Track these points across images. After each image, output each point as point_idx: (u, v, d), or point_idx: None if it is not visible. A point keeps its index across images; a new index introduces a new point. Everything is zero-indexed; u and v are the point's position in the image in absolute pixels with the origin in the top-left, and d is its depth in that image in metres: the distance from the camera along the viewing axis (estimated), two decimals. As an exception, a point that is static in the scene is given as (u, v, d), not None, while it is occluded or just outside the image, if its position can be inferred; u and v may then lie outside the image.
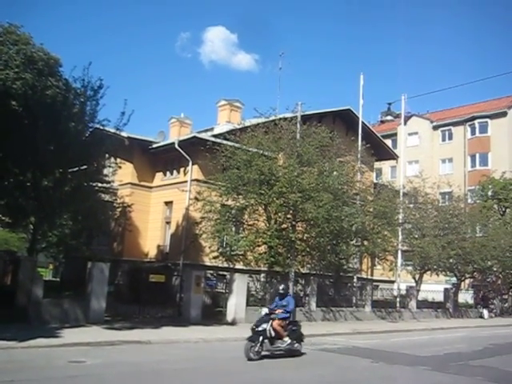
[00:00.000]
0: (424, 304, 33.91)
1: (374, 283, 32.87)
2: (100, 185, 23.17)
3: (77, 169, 19.91)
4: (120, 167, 23.70)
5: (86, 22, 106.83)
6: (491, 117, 54.71)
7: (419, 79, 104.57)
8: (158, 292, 20.87)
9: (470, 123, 56.13)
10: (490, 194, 45.66)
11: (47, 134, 17.13)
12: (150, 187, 31.73)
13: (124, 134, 23.88)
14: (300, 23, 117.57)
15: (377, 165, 40.77)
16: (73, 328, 16.03)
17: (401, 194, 33.60)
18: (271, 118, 24.71)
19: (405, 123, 38.09)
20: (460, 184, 48.17)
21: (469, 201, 44.00)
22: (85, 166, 20.17)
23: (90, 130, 19.85)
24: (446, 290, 36.02)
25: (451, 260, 34.18)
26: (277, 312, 13.72)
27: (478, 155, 54.83)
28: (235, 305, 21.58)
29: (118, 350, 13.42)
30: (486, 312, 36.25)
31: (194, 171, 28.45)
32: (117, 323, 17.73)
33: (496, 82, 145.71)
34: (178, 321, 19.60)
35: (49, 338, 13.73)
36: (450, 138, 57.96)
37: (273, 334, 13.31)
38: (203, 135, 29.87)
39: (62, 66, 17.68)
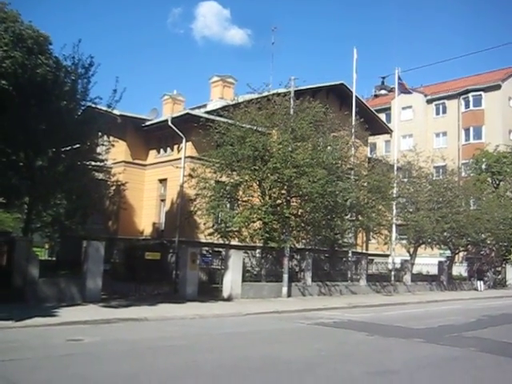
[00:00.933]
0: (418, 277, 34.23)
1: (369, 257, 33.09)
2: (93, 163, 23.07)
3: (70, 148, 19.81)
4: (113, 145, 23.60)
5: (76, 1, 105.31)
6: (485, 90, 54.59)
7: (413, 54, 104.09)
8: (154, 269, 20.94)
9: (463, 96, 56.02)
10: (483, 167, 45.78)
11: (39, 113, 17.01)
12: (144, 165, 31.63)
13: (116, 111, 23.75)
14: (293, 0, 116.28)
15: (371, 139, 40.74)
16: (69, 307, 16.10)
17: (395, 168, 33.68)
18: (264, 94, 24.57)
19: (401, 94, 37.88)
20: (454, 158, 48.30)
21: (463, 174, 44.16)
22: (78, 145, 20.07)
23: (82, 108, 19.72)
24: (440, 263, 36.32)
25: (445, 233, 34.42)
26: None
27: (471, 128, 54.84)
28: (231, 281, 21.71)
29: (115, 328, 13.50)
30: (481, 284, 36.62)
31: (187, 148, 28.35)
32: (113, 301, 17.82)
33: (490, 55, 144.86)
34: (174, 298, 19.72)
35: (46, 317, 13.78)
36: (444, 111, 57.86)
37: None
38: (196, 112, 29.72)
39: (52, 44, 17.50)
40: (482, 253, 41.53)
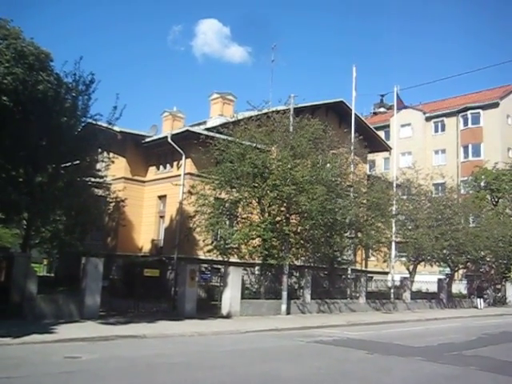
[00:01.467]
0: (418, 295, 34.11)
1: (369, 275, 33.01)
2: (93, 180, 23.12)
3: (69, 164, 19.85)
4: (113, 162, 23.64)
5: (76, 18, 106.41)
6: (484, 107, 54.89)
7: (412, 71, 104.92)
8: (153, 286, 20.86)
9: (462, 114, 56.29)
10: (482, 184, 45.87)
11: (39, 130, 17.06)
12: (144, 181, 31.66)
13: (116, 128, 23.82)
14: (293, 16, 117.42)
15: (370, 157, 40.82)
16: (68, 323, 16.01)
17: (394, 185, 33.70)
18: (264, 111, 24.69)
19: (397, 112, 38.00)
20: (453, 175, 48.39)
21: (462, 191, 44.19)
22: (77, 161, 20.11)
23: (83, 124, 19.79)
24: (439, 280, 36.21)
25: (445, 251, 34.36)
26: None
27: (470, 146, 55.04)
28: (230, 298, 21.62)
29: (114, 345, 13.42)
30: (480, 302, 36.47)
31: (187, 165, 28.40)
32: (112, 318, 17.73)
33: (488, 73, 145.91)
34: (172, 315, 19.63)
35: (44, 333, 13.70)
36: (443, 129, 58.12)
37: None
38: (196, 129, 29.81)
39: (53, 61, 17.61)
40: (481, 270, 41.49)
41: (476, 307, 36.09)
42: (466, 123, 55.99)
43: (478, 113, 55.13)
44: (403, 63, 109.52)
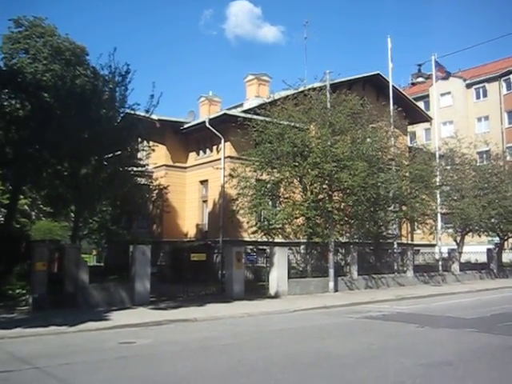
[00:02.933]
0: (467, 266, 33.50)
1: (415, 248, 32.58)
2: (135, 169, 23.48)
3: (112, 155, 20.20)
4: (153, 150, 23.96)
5: (107, 7, 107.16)
6: (527, 70, 53.00)
7: (449, 38, 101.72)
8: (200, 270, 21.17)
9: (504, 78, 54.44)
10: (529, 149, 44.49)
11: (80, 123, 17.40)
12: (185, 167, 31.96)
13: (154, 116, 24.04)
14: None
15: (410, 128, 40.09)
16: (120, 310, 16.42)
17: (437, 156, 33.01)
18: (300, 89, 24.53)
19: (439, 81, 36.95)
20: (498, 142, 47.04)
21: (508, 158, 42.87)
22: (119, 152, 20.45)
23: (121, 115, 20.09)
24: (488, 250, 35.46)
25: (493, 220, 33.58)
26: None
27: (514, 111, 53.33)
28: (277, 278, 21.73)
29: (166, 329, 13.70)
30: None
31: (226, 148, 28.50)
32: (162, 303, 18.10)
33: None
34: (221, 297, 19.87)
35: (98, 321, 14.09)
36: (485, 95, 56.43)
37: None
38: (233, 112, 29.85)
39: (89, 55, 17.96)
40: (532, 238, 40.39)
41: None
42: (509, 87, 54.20)
43: (522, 76, 53.30)
44: (440, 30, 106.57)
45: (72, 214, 22.28)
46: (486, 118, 55.82)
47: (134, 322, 14.15)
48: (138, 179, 24.98)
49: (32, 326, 12.88)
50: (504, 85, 54.62)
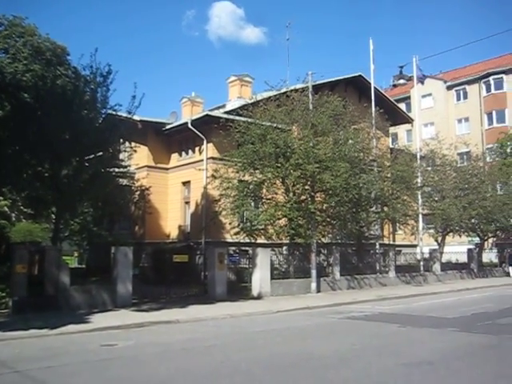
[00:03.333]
0: (448, 266, 33.88)
1: (397, 248, 32.85)
2: (117, 170, 23.31)
3: (93, 156, 20.04)
4: (135, 151, 23.81)
5: (89, 10, 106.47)
6: (506, 72, 53.64)
7: (431, 41, 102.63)
8: (183, 272, 21.09)
9: (484, 80, 55.12)
10: (508, 150, 45.07)
11: (61, 124, 17.21)
12: (167, 168, 31.85)
13: (136, 117, 23.92)
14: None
15: (392, 130, 40.39)
16: (102, 313, 16.32)
17: (418, 157, 33.31)
18: (282, 91, 24.58)
19: (419, 83, 37.22)
20: (478, 143, 47.65)
21: (487, 159, 43.41)
22: (101, 153, 20.29)
23: (103, 116, 19.92)
24: (469, 250, 35.88)
25: (473, 220, 34.06)
26: None
27: (494, 112, 53.97)
28: (260, 279, 21.74)
29: (148, 331, 13.63)
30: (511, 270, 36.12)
31: (209, 149, 28.46)
32: (144, 305, 18.00)
33: (509, 37, 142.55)
34: (204, 298, 19.84)
35: (79, 323, 13.99)
36: (465, 97, 57.08)
37: None
38: (215, 113, 29.81)
39: (70, 55, 17.69)
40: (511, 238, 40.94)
41: (508, 275, 35.72)
42: (488, 89, 54.87)
43: (501, 78, 53.94)
44: (421, 33, 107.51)
45: (53, 216, 22.04)
46: (467, 119, 56.47)
47: (116, 324, 14.06)
48: (120, 180, 24.81)
49: (12, 329, 12.74)
50: (484, 87, 55.28)
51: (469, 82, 56.50)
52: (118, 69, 19.34)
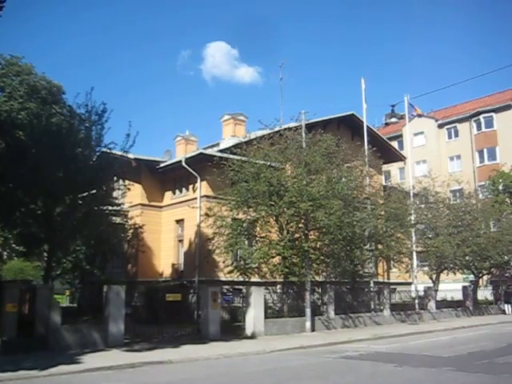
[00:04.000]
0: (443, 304, 33.65)
1: (391, 286, 32.64)
2: (110, 208, 23.30)
3: (87, 194, 20.04)
4: (129, 189, 23.85)
5: (84, 46, 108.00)
6: (496, 111, 54.49)
7: (422, 79, 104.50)
8: (176, 311, 20.83)
9: (475, 119, 55.91)
10: (500, 188, 45.36)
11: (55, 162, 17.29)
12: (160, 206, 31.81)
13: (131, 155, 24.02)
14: (299, 30, 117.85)
15: (385, 167, 40.65)
16: (93, 353, 16.03)
17: (411, 194, 33.47)
18: (276, 129, 24.79)
19: (414, 118, 37.69)
20: (470, 180, 47.96)
21: (480, 196, 43.66)
22: (94, 191, 20.30)
23: (97, 154, 20.01)
24: (464, 288, 35.71)
25: (467, 257, 33.98)
26: None
27: (485, 150, 54.54)
28: (253, 318, 21.50)
29: (140, 372, 13.39)
30: (508, 307, 35.93)
31: (202, 187, 28.51)
32: (136, 345, 17.72)
33: (499, 76, 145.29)
34: (197, 338, 19.55)
35: (70, 364, 13.72)
36: (456, 135, 57.76)
37: None
38: (209, 151, 29.99)
39: (65, 93, 17.98)
40: (506, 275, 40.83)
41: (504, 313, 35.50)
42: (479, 127, 55.60)
43: (491, 116, 54.73)
44: (412, 72, 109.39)
45: (45, 254, 21.90)
46: (458, 157, 57.01)
47: (108, 365, 13.80)
48: (113, 218, 24.76)
49: (0, 371, 12.46)
50: (474, 125, 56.02)
51: (460, 121, 57.28)
52: (112, 106, 19.60)
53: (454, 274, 36.76)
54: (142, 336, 19.05)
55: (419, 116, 37.29)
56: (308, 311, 23.17)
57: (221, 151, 28.23)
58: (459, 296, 35.28)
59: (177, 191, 31.46)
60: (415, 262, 32.72)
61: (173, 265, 30.78)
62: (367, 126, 33.76)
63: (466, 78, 71.11)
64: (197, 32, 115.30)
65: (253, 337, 20.94)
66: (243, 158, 23.39)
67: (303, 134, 24.49)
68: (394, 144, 50.35)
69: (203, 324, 20.69)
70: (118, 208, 25.20)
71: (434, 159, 56.24)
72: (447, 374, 12.22)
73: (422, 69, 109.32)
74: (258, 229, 23.99)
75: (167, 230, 31.40)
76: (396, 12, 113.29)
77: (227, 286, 25.25)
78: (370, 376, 12.34)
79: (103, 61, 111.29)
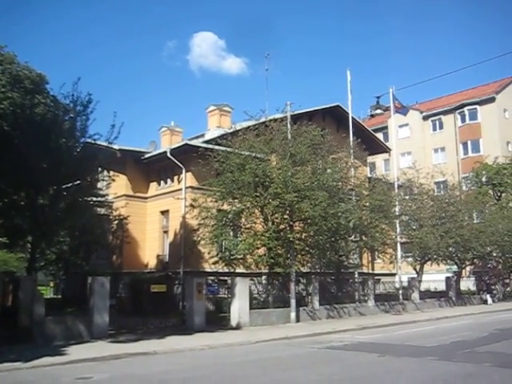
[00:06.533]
0: (427, 294, 33.96)
1: (376, 277, 32.93)
2: (95, 199, 23.16)
3: (71, 185, 19.88)
4: (114, 180, 23.68)
5: (70, 39, 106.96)
6: (480, 103, 54.93)
7: (406, 71, 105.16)
8: (161, 302, 20.81)
9: (459, 111, 56.31)
10: (484, 180, 45.85)
11: (39, 152, 17.10)
12: (145, 197, 31.69)
13: (115, 146, 23.80)
14: (286, 22, 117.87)
15: (370, 159, 40.88)
16: (77, 344, 15.98)
17: (395, 186, 33.67)
18: (261, 120, 24.78)
19: (394, 113, 37.71)
20: (454, 172, 48.34)
21: (464, 188, 44.12)
22: (78, 182, 20.15)
23: (82, 145, 19.83)
24: (447, 278, 36.06)
25: (450, 248, 34.29)
26: None
27: (469, 142, 55.00)
28: (238, 309, 21.56)
29: (125, 363, 13.37)
30: (490, 297, 36.37)
31: (187, 178, 28.44)
32: (121, 336, 17.69)
33: (483, 68, 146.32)
34: (182, 329, 19.57)
35: (54, 356, 13.67)
36: (441, 127, 58.14)
37: None
38: (194, 142, 29.89)
39: (49, 83, 17.72)
40: (488, 266, 41.34)
41: (486, 303, 35.94)
42: (463, 120, 56.03)
43: (475, 109, 55.15)
44: (398, 64, 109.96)
45: (29, 245, 21.73)
46: (443, 149, 57.41)
47: (92, 356, 13.77)
48: (98, 209, 24.63)
49: (-16, 363, 12.40)
50: (459, 117, 56.43)
51: (444, 113, 57.64)
52: (98, 97, 19.40)
53: (438, 264, 37.08)
54: (127, 327, 19.00)
55: (397, 111, 37.12)
56: (293, 302, 23.27)
57: (206, 142, 28.16)
58: (442, 287, 35.64)
59: (162, 182, 31.36)
60: (399, 252, 32.95)
61: (158, 256, 30.72)
62: (352, 118, 33.85)
63: (451, 70, 71.34)
64: (183, 22, 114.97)
65: (238, 328, 21.01)
66: (228, 149, 23.34)
67: (288, 126, 24.49)
68: (379, 136, 50.52)
69: (188, 315, 20.70)
70: (103, 199, 25.07)
71: (419, 151, 56.61)
72: (430, 363, 12.36)
73: (408, 61, 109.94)
74: (243, 220, 24.02)
75: (152, 221, 31.31)
76: (382, 5, 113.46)
77: (212, 277, 25.30)
78: (353, 366, 12.45)
79: (89, 53, 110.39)
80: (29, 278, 18.71)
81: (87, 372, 11.71)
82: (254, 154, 22.99)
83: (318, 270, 27.60)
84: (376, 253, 31.46)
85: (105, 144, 20.44)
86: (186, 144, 28.83)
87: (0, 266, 30.68)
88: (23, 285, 17.02)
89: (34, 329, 16.35)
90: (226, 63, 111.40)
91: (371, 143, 37.08)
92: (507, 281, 42.62)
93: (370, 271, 35.68)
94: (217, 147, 24.19)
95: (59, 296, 32.33)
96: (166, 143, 35.49)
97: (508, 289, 42.11)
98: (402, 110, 37.79)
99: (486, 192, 43.73)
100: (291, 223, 23.46)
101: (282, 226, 23.40)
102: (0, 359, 12.70)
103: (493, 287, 38.58)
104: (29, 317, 16.45)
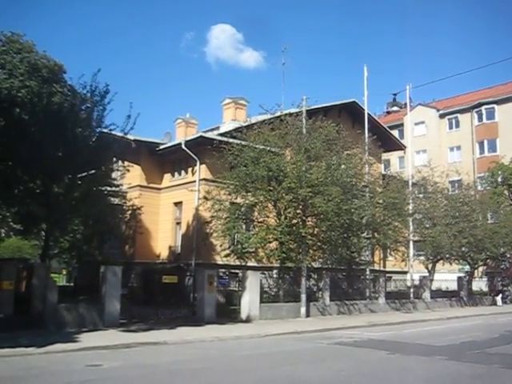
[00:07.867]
0: (438, 293, 33.82)
1: (387, 275, 32.80)
2: (109, 189, 23.26)
3: (86, 174, 20.01)
4: (128, 170, 23.81)
5: (88, 27, 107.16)
6: (498, 102, 54.26)
7: (424, 69, 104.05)
8: (172, 293, 20.94)
9: (476, 110, 55.71)
10: (499, 180, 45.37)
11: (55, 141, 17.22)
12: (159, 188, 31.80)
13: (131, 136, 23.90)
14: (305, 18, 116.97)
15: (384, 156, 40.63)
16: (89, 332, 16.15)
17: (410, 184, 33.47)
18: (277, 114, 24.73)
19: (411, 110, 37.50)
20: (469, 171, 47.97)
21: (479, 188, 43.73)
22: (93, 171, 20.27)
23: (98, 134, 19.93)
24: (459, 278, 35.90)
25: (463, 248, 34.10)
26: None
27: (486, 142, 54.40)
28: (249, 302, 21.63)
29: (135, 352, 13.49)
30: (499, 299, 36.16)
31: (201, 171, 28.49)
32: (132, 325, 17.83)
33: (502, 68, 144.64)
34: (192, 320, 19.67)
35: (66, 342, 13.83)
36: (457, 125, 57.59)
37: None
38: (209, 134, 29.90)
39: (66, 73, 17.80)
40: (501, 267, 41.01)
41: (496, 304, 35.71)
42: (480, 119, 55.44)
43: (493, 108, 54.53)
44: (415, 61, 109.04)
45: (43, 233, 21.91)
46: (458, 147, 56.88)
47: (103, 344, 13.91)
48: (112, 199, 24.73)
49: (-2, 347, 12.57)
50: (476, 116, 55.83)
51: (461, 111, 57.06)
52: (114, 86, 19.50)
53: (450, 264, 36.92)
54: (138, 317, 19.15)
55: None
56: (303, 297, 23.30)
57: (221, 135, 28.17)
58: (454, 286, 35.48)
59: (176, 174, 31.44)
60: (411, 251, 32.85)
61: (170, 247, 30.86)
62: (368, 114, 33.69)
63: (469, 68, 70.71)
64: (202, 14, 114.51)
65: (248, 321, 21.08)
66: (243, 142, 23.35)
67: (304, 120, 24.44)
68: (395, 133, 50.21)
69: (199, 307, 20.80)
70: (117, 189, 25.17)
71: (434, 149, 56.14)
72: (439, 362, 12.33)
73: (425, 60, 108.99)
74: (255, 213, 24.06)
75: (165, 212, 31.44)
76: (399, 5, 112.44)
77: (223, 270, 25.37)
78: (362, 362, 12.46)
79: (107, 43, 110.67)
80: (42, 265, 18.89)
81: (98, 359, 11.83)
82: (268, 148, 22.99)
83: (330, 266, 27.57)
84: (388, 250, 31.39)
85: (120, 134, 20.53)
86: (201, 136, 28.85)
87: (14, 252, 31.04)
88: (37, 272, 17.21)
89: (46, 315, 16.54)
90: (243, 56, 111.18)
91: (386, 140, 36.89)
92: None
93: (382, 268, 35.57)
94: (231, 140, 24.20)
95: (72, 284, 32.62)
96: (181, 135, 35.54)
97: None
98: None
99: (502, 192, 43.32)
100: (304, 218, 23.44)
101: (294, 221, 23.38)
102: (13, 344, 12.89)
103: (505, 288, 38.30)
104: (42, 303, 16.64)
